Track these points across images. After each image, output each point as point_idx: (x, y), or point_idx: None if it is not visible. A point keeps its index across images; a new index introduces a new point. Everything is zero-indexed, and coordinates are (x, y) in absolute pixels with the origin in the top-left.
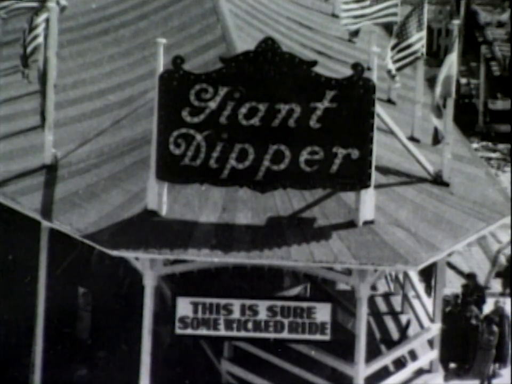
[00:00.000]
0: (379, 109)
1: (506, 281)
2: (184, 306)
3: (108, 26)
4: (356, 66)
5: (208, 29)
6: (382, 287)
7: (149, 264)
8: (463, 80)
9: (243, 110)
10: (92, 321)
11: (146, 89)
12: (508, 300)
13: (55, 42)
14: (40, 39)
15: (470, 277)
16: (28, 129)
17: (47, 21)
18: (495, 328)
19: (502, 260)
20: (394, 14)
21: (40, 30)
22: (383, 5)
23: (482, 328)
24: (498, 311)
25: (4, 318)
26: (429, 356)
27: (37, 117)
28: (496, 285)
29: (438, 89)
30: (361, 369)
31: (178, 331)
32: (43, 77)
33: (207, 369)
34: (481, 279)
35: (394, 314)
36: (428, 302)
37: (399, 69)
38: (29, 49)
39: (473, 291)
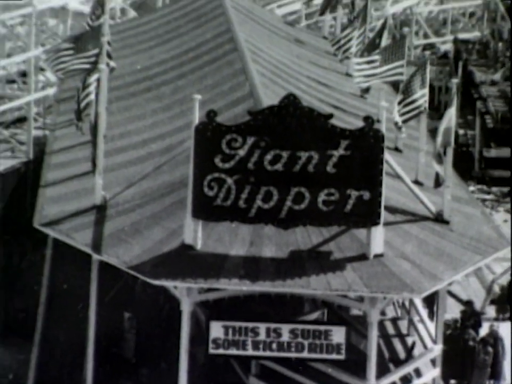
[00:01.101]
0: (387, 156)
1: (500, 308)
2: (216, 329)
3: (151, 84)
4: (367, 119)
5: (238, 86)
6: (390, 312)
7: (186, 292)
8: (461, 131)
9: (268, 157)
10: (136, 342)
11: (183, 139)
12: (501, 324)
13: (105, 99)
14: (92, 96)
15: (468, 304)
16: (81, 174)
17: (98, 80)
18: (490, 349)
19: (496, 288)
20: (401, 74)
21: (92, 88)
22: (391, 65)
23: (479, 349)
24: (493, 334)
25: (59, 339)
26: (432, 374)
27: (88, 164)
28: (491, 311)
29: (439, 139)
30: (371, 379)
31: (211, 351)
32: (94, 129)
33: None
34: (477, 306)
35: (401, 337)
36: (431, 325)
37: (404, 121)
38: (82, 105)
39: (471, 316)
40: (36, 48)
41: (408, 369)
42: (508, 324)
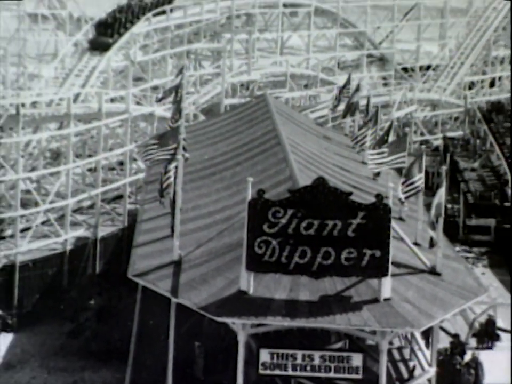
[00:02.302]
0: (393, 224)
1: (480, 340)
2: (264, 355)
3: (215, 170)
4: (378, 196)
5: (280, 171)
6: (396, 342)
7: (241, 327)
8: (449, 206)
9: (303, 224)
10: (204, 364)
11: (240, 211)
12: (481, 352)
13: (181, 181)
14: (171, 179)
15: (455, 336)
16: (163, 237)
17: (176, 167)
18: (473, 371)
19: (476, 325)
20: (403, 162)
21: (171, 173)
22: (396, 156)
23: (464, 371)
24: (475, 360)
25: (146, 362)
26: None
27: (168, 230)
28: (473, 342)
29: (432, 211)
30: None
31: (261, 372)
32: (173, 204)
33: None
34: (462, 338)
35: (405, 361)
36: (427, 353)
37: (406, 198)
38: (164, 186)
39: (457, 346)
40: (130, 144)
41: None
42: (486, 352)
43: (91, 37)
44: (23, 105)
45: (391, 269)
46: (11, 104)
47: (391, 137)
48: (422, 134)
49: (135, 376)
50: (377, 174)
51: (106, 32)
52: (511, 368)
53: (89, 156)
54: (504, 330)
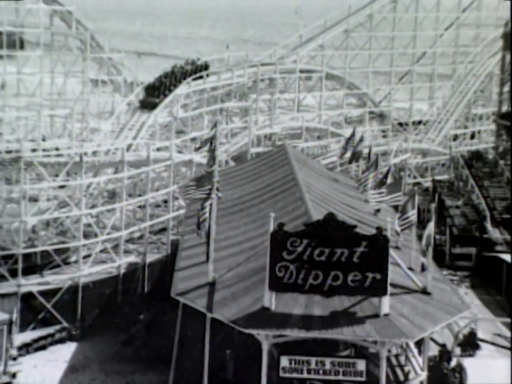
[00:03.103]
0: (391, 251)
1: (464, 349)
2: (284, 361)
3: (243, 207)
4: (378, 228)
5: (297, 208)
6: (394, 350)
7: (265, 337)
8: (437, 237)
9: (316, 252)
10: (234, 369)
11: (263, 241)
12: (464, 359)
13: (214, 216)
14: (207, 214)
15: (443, 346)
16: (200, 263)
17: (211, 204)
18: (457, 375)
19: (461, 336)
20: (399, 200)
21: (207, 209)
22: (393, 195)
23: (450, 375)
24: (459, 366)
25: (186, 367)
26: None
27: (204, 256)
28: (458, 351)
29: (423, 241)
30: None
31: (281, 375)
32: (208, 235)
33: None
34: (449, 347)
35: (401, 366)
36: (419, 359)
37: (402, 230)
38: (200, 220)
39: (445, 354)
40: (173, 185)
41: None
42: (469, 359)
43: (141, 98)
44: (85, 154)
45: (389, 289)
46: (76, 153)
47: (389, 180)
48: (414, 177)
49: (177, 378)
50: (378, 210)
51: (154, 94)
52: (511, 373)
53: (139, 195)
54: (484, 341)
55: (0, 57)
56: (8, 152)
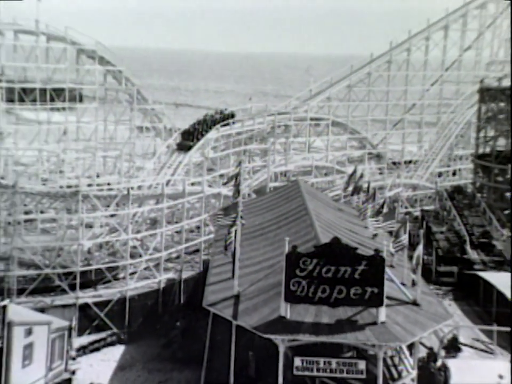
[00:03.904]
0: (387, 269)
1: (447, 351)
2: (297, 361)
3: (263, 232)
4: (376, 250)
5: (308, 233)
6: (389, 352)
7: (281, 341)
8: (425, 257)
9: (324, 269)
10: (255, 368)
11: (280, 260)
12: (448, 360)
13: (239, 239)
14: (232, 238)
15: (430, 349)
16: (226, 278)
17: (236, 230)
18: (442, 374)
19: (445, 341)
20: (393, 227)
21: (232, 234)
22: (388, 222)
23: (436, 373)
24: (444, 365)
25: (216, 365)
26: None
27: (229, 273)
28: (443, 353)
29: (413, 261)
30: None
31: (295, 373)
32: (233, 255)
33: None
34: (435, 350)
35: (395, 366)
36: (411, 360)
37: (396, 251)
38: (227, 243)
39: (432, 355)
40: (204, 214)
41: (399, 383)
42: (452, 360)
43: (178, 141)
44: (132, 188)
45: (385, 301)
46: (124, 187)
47: (385, 210)
48: (406, 207)
49: (208, 376)
50: (375, 235)
51: (189, 138)
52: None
53: (176, 222)
54: (464, 345)
55: (63, 109)
56: (69, 187)
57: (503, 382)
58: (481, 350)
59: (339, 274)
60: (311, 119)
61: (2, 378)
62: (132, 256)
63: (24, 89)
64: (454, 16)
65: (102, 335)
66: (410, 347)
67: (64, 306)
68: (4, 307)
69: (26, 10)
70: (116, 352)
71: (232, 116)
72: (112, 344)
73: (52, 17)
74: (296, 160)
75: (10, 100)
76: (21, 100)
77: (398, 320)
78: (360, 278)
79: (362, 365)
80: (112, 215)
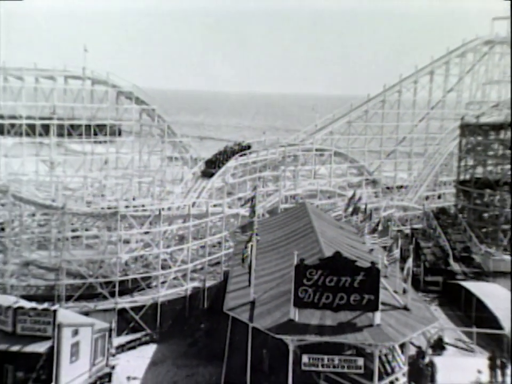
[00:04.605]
0: (381, 279)
1: (434, 350)
2: (305, 358)
3: (275, 246)
4: (372, 263)
5: (313, 247)
6: (384, 351)
7: (291, 341)
8: (414, 269)
9: (327, 279)
10: (269, 363)
11: (289, 271)
12: (435, 357)
13: (254, 254)
14: (249, 252)
15: (419, 347)
16: (244, 287)
17: (252, 245)
18: (430, 369)
19: (431, 340)
20: (387, 242)
21: (249, 248)
22: (382, 239)
23: (424, 369)
24: (431, 362)
25: (235, 362)
26: (403, 380)
27: (246, 282)
28: (430, 351)
29: (404, 272)
30: (375, 382)
31: (303, 368)
32: (249, 267)
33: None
34: (423, 348)
35: (388, 362)
36: (402, 357)
37: (389, 264)
38: (244, 256)
39: (420, 353)
40: (225, 231)
41: (392, 377)
42: (438, 357)
43: (202, 169)
44: (163, 209)
45: (380, 306)
46: (156, 208)
47: (380, 228)
48: (398, 226)
49: (228, 370)
50: (371, 250)
51: (211, 166)
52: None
53: (200, 238)
54: (448, 344)
55: (105, 142)
56: (109, 208)
57: (482, 377)
58: (463, 348)
59: (340, 283)
60: (316, 150)
61: (53, 372)
62: (163, 267)
63: (72, 125)
64: (438, 63)
65: (137, 335)
66: (402, 346)
67: (105, 310)
68: (54, 311)
69: (75, 58)
70: (149, 350)
71: (248, 147)
72: (146, 343)
73: (96, 62)
74: (303, 185)
75: (60, 135)
76: (70, 135)
77: (391, 323)
78: (358, 286)
79: (360, 361)
80: (146, 232)
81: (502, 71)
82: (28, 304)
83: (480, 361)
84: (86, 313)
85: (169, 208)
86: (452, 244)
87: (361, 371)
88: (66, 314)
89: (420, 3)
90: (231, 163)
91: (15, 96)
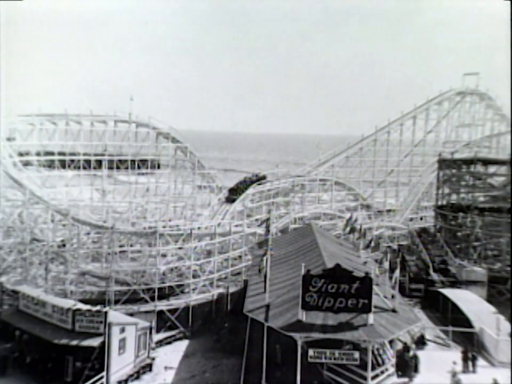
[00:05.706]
0: (374, 287)
1: (417, 346)
2: (311, 352)
3: (286, 259)
4: (366, 273)
5: (317, 260)
6: (376, 346)
7: (299, 337)
8: (400, 278)
9: (329, 286)
10: (281, 356)
11: (298, 280)
12: (418, 351)
13: (269, 264)
14: (264, 263)
15: (405, 343)
16: (260, 292)
17: (266, 258)
18: (414, 361)
19: (415, 337)
20: (378, 256)
21: (264, 261)
22: (374, 253)
23: (409, 360)
24: (415, 355)
25: (253, 357)
26: (392, 370)
27: (262, 289)
28: (413, 346)
29: (392, 280)
30: (369, 373)
31: (309, 360)
32: (265, 276)
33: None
34: (408, 344)
35: (380, 355)
36: (391, 351)
37: (380, 274)
38: (261, 267)
39: (406, 348)
40: (244, 246)
41: (382, 368)
42: (420, 351)
43: (226, 196)
44: (193, 229)
45: (373, 309)
46: (188, 228)
47: (372, 244)
48: (387, 243)
49: (247, 362)
50: (365, 262)
51: (234, 193)
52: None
53: (224, 252)
54: (429, 340)
55: (146, 173)
56: (150, 228)
57: (456, 367)
58: (441, 344)
59: (340, 290)
60: (320, 180)
61: (105, 362)
62: (194, 276)
63: (120, 160)
64: (420, 109)
65: (173, 332)
66: (391, 342)
67: (146, 312)
68: (106, 312)
69: (123, 104)
70: (182, 345)
71: (264, 177)
72: (180, 339)
73: (139, 107)
74: (309, 209)
75: (110, 168)
76: (118, 168)
77: (382, 323)
78: (355, 292)
79: (356, 354)
80: (179, 248)
81: (471, 116)
82: (84, 307)
83: (455, 355)
84: (131, 314)
85: (199, 228)
86: (431, 257)
87: (357, 362)
88: (115, 315)
89: (405, 56)
90: (250, 191)
91: (74, 137)
